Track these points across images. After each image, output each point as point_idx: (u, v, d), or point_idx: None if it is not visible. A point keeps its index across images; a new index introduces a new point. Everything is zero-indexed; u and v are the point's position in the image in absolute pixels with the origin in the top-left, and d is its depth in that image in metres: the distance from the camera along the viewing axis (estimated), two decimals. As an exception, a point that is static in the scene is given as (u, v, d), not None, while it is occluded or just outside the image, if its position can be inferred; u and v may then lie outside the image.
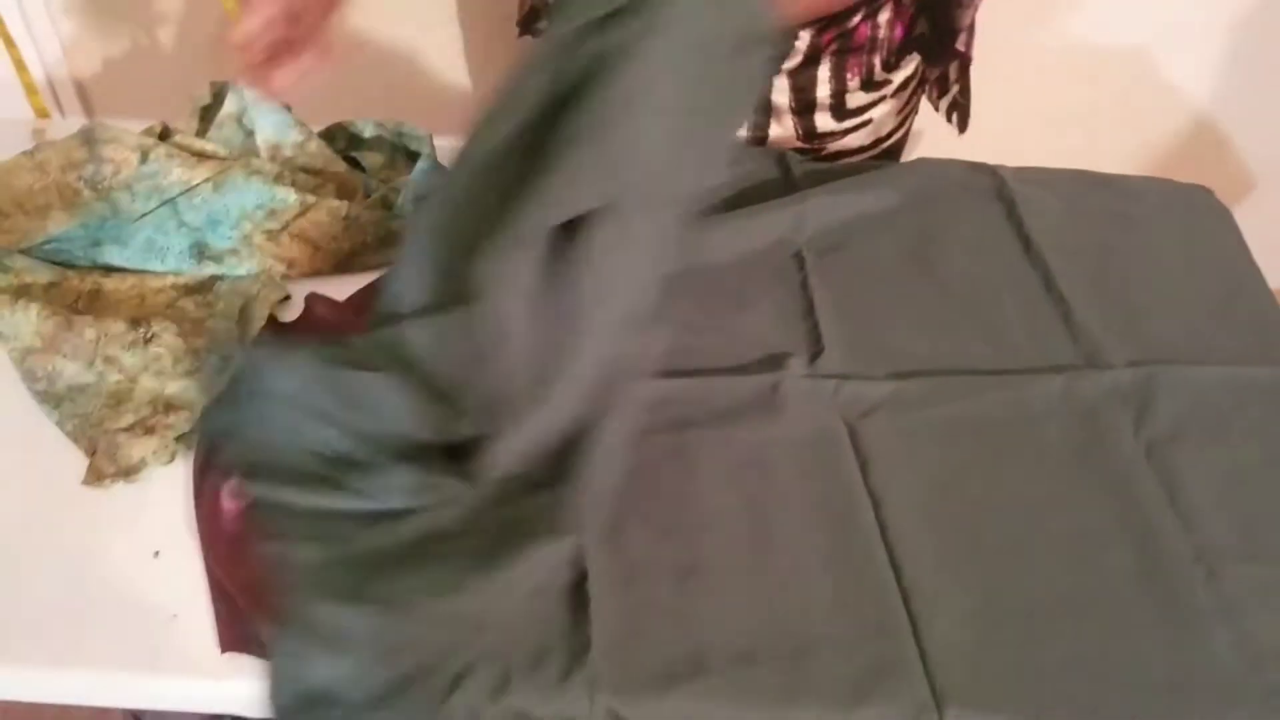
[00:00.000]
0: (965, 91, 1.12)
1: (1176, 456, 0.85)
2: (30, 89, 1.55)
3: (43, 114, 1.57)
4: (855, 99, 1.09)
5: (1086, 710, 0.70)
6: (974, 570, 0.77)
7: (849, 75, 1.07)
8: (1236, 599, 0.76)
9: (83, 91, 1.70)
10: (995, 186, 1.09)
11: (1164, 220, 1.08)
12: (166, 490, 0.79)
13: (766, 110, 1.10)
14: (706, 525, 0.78)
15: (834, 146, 1.13)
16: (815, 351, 0.90)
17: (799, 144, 1.12)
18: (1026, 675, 0.71)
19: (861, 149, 1.15)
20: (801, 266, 0.98)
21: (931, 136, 1.55)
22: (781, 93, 1.08)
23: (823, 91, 1.08)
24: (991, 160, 1.12)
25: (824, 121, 1.10)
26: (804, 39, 1.05)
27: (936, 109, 1.16)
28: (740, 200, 1.00)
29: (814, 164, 1.09)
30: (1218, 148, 1.71)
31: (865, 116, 1.12)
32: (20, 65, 1.53)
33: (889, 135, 1.16)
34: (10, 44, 1.52)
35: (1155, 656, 0.72)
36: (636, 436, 0.80)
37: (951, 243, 1.02)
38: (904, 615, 0.74)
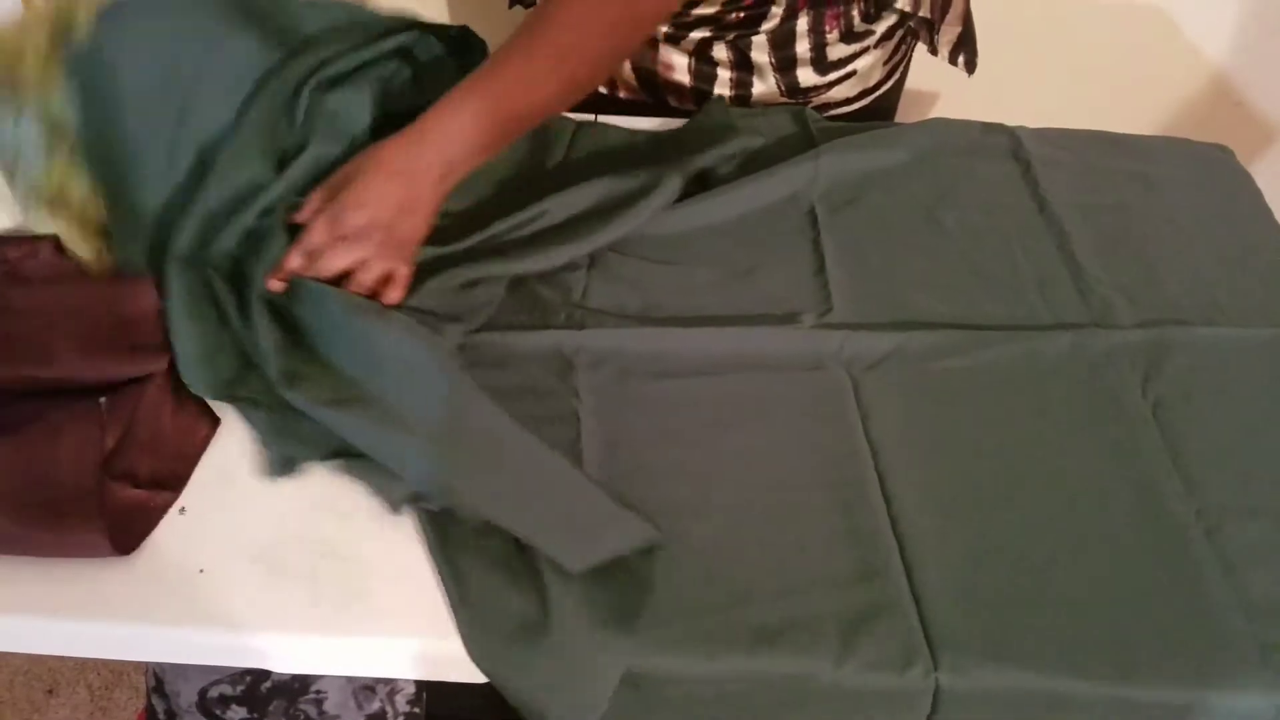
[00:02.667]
0: (969, 32, 1.10)
1: (1182, 415, 0.85)
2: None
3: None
4: (836, 51, 1.08)
5: (1079, 656, 0.70)
6: (971, 519, 0.78)
7: (827, 28, 1.06)
8: (1235, 555, 0.76)
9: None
10: (1011, 147, 1.08)
11: (1182, 180, 1.07)
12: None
13: (748, 68, 1.08)
14: (707, 471, 0.80)
15: (819, 100, 1.12)
16: (825, 309, 0.90)
17: (782, 100, 1.11)
18: (1020, 621, 0.72)
19: (848, 100, 1.14)
20: (814, 224, 0.98)
21: (948, 97, 1.54)
22: (761, 50, 1.07)
23: (802, 46, 1.06)
24: (1008, 121, 1.11)
25: (806, 76, 1.09)
26: None
27: (934, 53, 1.14)
28: (758, 157, 1.00)
29: (832, 122, 1.09)
30: (1237, 107, 1.70)
31: (849, 68, 1.10)
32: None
33: (877, 86, 1.15)
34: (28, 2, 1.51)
35: (1151, 607, 0.73)
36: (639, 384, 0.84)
37: (965, 201, 1.02)
38: (898, 561, 0.75)
